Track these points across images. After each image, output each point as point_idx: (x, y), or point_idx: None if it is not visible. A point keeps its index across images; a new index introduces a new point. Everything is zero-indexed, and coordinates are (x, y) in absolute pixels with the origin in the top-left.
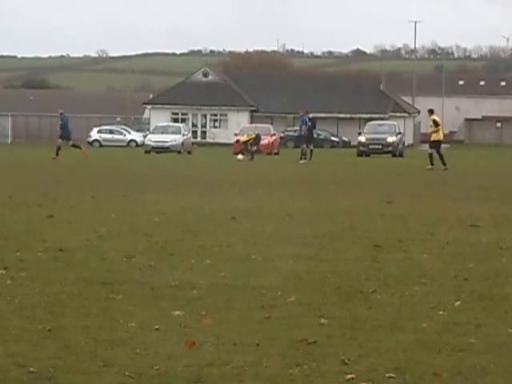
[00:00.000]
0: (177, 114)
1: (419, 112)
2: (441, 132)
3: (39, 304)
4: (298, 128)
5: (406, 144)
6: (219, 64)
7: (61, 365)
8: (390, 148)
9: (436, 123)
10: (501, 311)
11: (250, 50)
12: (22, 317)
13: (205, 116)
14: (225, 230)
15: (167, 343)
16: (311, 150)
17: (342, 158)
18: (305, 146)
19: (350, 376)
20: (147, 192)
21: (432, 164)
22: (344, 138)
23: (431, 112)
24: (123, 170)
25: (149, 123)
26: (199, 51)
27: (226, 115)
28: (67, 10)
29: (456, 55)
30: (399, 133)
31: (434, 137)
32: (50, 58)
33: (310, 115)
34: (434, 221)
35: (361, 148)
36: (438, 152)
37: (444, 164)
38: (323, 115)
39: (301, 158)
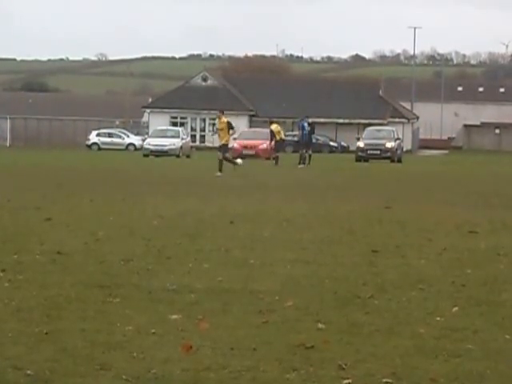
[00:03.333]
0: (176, 117)
1: (418, 118)
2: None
3: (36, 307)
4: (297, 133)
5: (404, 149)
6: (218, 68)
7: (58, 368)
8: (389, 153)
9: (231, 126)
10: (498, 317)
11: (250, 54)
12: (19, 319)
13: (204, 120)
14: (223, 234)
15: (164, 347)
16: (310, 155)
17: (341, 163)
18: (304, 150)
19: (346, 381)
20: (145, 196)
21: (233, 164)
22: (343, 143)
23: (222, 113)
24: (122, 174)
25: (148, 127)
26: (198, 55)
27: None
28: (66, 13)
29: (455, 61)
30: (398, 138)
31: (225, 140)
32: (50, 60)
33: (310, 120)
34: (432, 226)
35: (359, 153)
36: (224, 156)
37: (220, 170)
38: (322, 120)
39: (299, 163)
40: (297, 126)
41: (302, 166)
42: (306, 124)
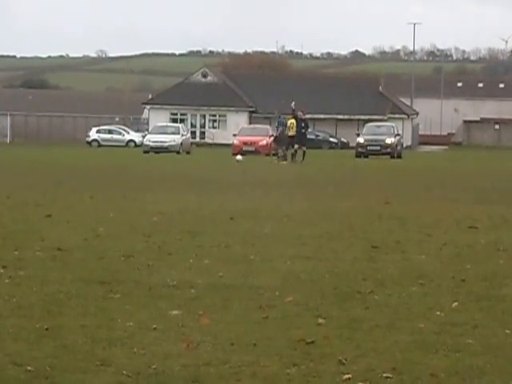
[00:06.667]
0: (176, 114)
1: (418, 114)
2: None
3: (37, 303)
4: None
5: (404, 145)
6: (218, 65)
7: (58, 364)
8: (389, 149)
9: None
10: (498, 312)
11: (249, 50)
12: (19, 316)
13: (204, 116)
14: (223, 230)
15: (165, 343)
16: (285, 152)
17: (341, 159)
18: (284, 147)
19: (347, 376)
20: (146, 192)
21: None
22: (343, 140)
23: None
24: (122, 170)
25: (148, 123)
26: (198, 52)
27: (224, 116)
28: (67, 10)
29: (455, 57)
30: (398, 134)
31: None
32: (50, 57)
33: (281, 116)
34: (431, 222)
35: (359, 149)
36: None
37: None
38: (322, 116)
39: (292, 159)
40: (277, 122)
41: (285, 162)
42: (284, 120)
